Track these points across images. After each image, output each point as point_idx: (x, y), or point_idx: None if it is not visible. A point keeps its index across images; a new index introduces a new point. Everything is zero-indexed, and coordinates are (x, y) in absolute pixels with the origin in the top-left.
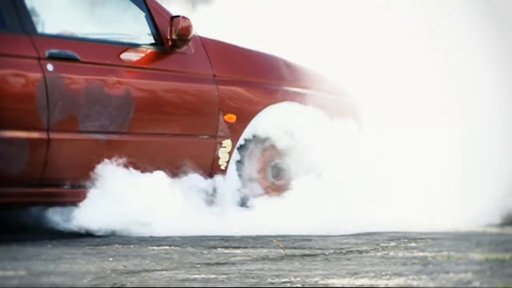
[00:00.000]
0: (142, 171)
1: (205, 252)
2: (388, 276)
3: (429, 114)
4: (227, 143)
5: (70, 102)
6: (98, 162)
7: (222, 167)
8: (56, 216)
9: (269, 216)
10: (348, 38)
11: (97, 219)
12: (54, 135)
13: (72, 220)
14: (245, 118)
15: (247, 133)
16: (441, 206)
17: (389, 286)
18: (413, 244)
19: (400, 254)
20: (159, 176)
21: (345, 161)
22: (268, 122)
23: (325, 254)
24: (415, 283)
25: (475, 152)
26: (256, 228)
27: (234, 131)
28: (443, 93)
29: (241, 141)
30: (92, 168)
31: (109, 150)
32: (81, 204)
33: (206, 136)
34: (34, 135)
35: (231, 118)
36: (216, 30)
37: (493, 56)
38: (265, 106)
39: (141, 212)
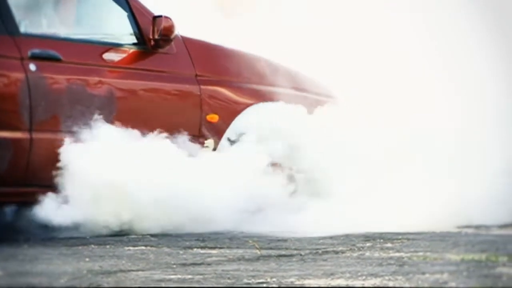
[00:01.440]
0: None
1: (181, 252)
2: (364, 277)
3: (429, 114)
4: (209, 143)
5: (52, 102)
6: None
7: None
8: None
9: None
10: (348, 38)
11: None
12: (36, 135)
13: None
14: (227, 118)
15: (229, 132)
16: (440, 206)
17: (365, 286)
18: (389, 245)
19: (376, 254)
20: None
21: (328, 159)
22: (250, 122)
23: (301, 255)
24: (391, 284)
25: (474, 151)
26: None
27: (216, 131)
28: (443, 92)
29: (223, 141)
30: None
31: None
32: (63, 202)
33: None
34: (17, 135)
35: (213, 118)
36: (200, 31)
37: (493, 56)
38: (247, 106)
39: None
